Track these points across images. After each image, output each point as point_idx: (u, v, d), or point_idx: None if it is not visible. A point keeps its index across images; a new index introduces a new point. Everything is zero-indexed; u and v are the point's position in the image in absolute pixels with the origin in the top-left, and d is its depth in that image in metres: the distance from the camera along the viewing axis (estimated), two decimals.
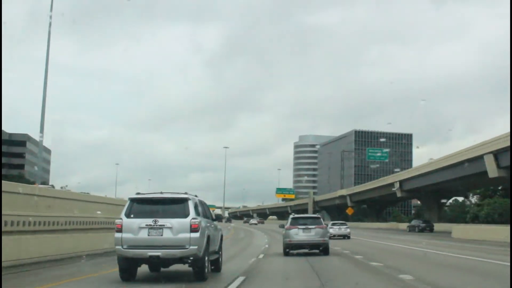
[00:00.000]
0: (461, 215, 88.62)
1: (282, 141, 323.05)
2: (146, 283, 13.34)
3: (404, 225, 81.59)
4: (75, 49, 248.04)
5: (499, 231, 42.20)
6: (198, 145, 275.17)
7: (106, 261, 19.40)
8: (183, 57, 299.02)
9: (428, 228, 66.43)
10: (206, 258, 13.42)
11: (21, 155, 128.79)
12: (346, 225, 47.56)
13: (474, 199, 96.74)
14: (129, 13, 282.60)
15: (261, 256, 22.76)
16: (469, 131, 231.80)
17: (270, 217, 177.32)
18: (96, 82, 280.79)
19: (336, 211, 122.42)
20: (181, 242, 12.68)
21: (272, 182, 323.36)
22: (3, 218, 16.05)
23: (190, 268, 13.41)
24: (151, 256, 12.71)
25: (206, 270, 13.37)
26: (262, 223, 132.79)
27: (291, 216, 26.77)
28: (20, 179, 75.77)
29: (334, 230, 44.21)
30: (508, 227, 39.81)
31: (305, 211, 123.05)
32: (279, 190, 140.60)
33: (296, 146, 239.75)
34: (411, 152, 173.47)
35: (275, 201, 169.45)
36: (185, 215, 12.93)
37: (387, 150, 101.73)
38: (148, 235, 12.70)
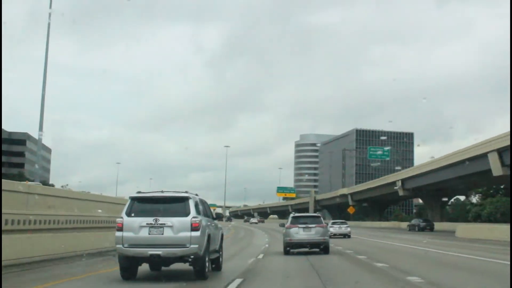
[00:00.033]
0: (462, 214, 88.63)
1: (283, 141, 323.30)
2: (146, 282, 13.34)
3: (406, 224, 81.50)
4: (75, 49, 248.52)
5: (504, 230, 41.73)
6: (198, 145, 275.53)
7: (106, 260, 19.41)
8: (183, 57, 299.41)
9: (428, 227, 66.29)
10: (207, 257, 13.42)
11: (21, 154, 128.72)
12: (346, 224, 47.55)
13: (475, 198, 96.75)
14: (129, 13, 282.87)
15: (260, 256, 22.73)
16: (469, 131, 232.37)
17: (271, 216, 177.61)
18: (96, 82, 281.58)
19: (337, 210, 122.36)
20: (181, 241, 12.68)
21: (273, 182, 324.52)
22: (3, 218, 16.06)
23: (191, 267, 13.41)
24: (151, 255, 12.71)
25: (206, 269, 13.38)
26: (262, 222, 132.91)
27: (291, 215, 26.79)
28: (20, 177, 75.89)
29: (334, 229, 44.24)
30: None
31: (306, 210, 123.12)
32: (280, 189, 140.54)
33: (297, 145, 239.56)
34: (412, 151, 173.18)
35: (276, 200, 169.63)
36: (186, 214, 12.93)
37: (388, 148, 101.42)
38: (149, 234, 12.70)
